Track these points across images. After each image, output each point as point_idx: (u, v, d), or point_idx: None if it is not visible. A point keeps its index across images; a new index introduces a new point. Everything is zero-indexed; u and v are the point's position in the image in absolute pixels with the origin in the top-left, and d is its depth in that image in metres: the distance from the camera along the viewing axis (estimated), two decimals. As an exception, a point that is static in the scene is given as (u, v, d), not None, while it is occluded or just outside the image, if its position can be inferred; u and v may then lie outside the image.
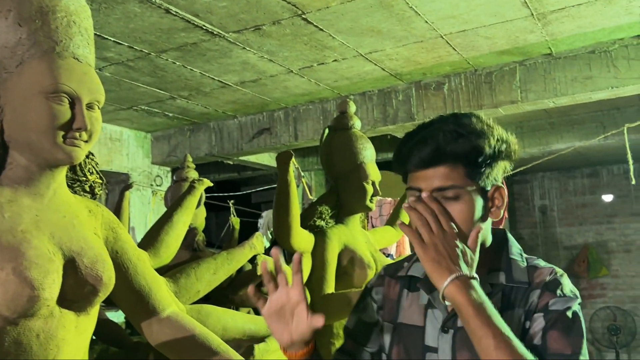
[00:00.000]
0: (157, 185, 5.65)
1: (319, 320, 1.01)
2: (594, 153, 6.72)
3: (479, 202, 1.06)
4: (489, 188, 1.07)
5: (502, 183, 1.11)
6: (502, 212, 1.09)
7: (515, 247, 1.15)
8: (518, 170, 4.42)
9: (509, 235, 1.17)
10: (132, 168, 5.38)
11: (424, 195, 1.04)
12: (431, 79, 4.22)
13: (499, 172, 1.09)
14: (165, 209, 5.18)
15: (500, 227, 4.02)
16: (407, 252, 3.96)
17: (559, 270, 1.10)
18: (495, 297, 1.05)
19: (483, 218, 1.07)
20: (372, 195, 2.38)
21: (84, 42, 1.14)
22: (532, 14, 3.07)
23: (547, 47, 3.64)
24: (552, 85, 3.78)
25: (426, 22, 3.12)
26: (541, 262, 1.13)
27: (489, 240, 1.13)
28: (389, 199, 4.34)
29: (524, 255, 1.15)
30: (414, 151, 1.05)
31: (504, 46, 3.60)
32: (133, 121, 5.08)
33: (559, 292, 1.05)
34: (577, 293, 1.08)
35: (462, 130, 1.05)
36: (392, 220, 2.89)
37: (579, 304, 1.06)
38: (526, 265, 1.11)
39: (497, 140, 1.07)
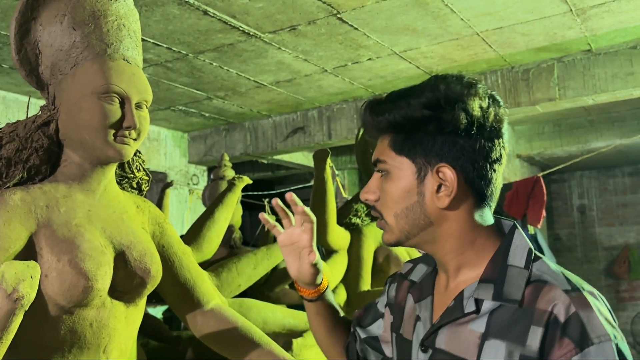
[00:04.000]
0: (194, 184, 5.75)
1: (312, 257, 1.08)
2: (635, 151, 6.56)
3: (409, 182, 0.88)
4: (427, 167, 0.87)
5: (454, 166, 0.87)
6: (448, 200, 0.86)
7: (520, 249, 0.87)
8: (556, 168, 4.36)
9: (517, 231, 0.90)
10: (169, 167, 5.49)
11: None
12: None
13: (450, 147, 0.86)
14: (202, 208, 5.25)
15: (538, 227, 3.93)
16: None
17: (577, 295, 0.79)
18: (480, 319, 0.84)
19: (421, 203, 0.88)
20: (408, 193, 2.39)
21: (133, 44, 1.18)
22: (571, 10, 3.03)
23: (587, 43, 3.58)
24: (591, 82, 3.72)
25: (462, 19, 3.11)
26: (553, 275, 0.83)
27: (455, 237, 0.90)
28: (424, 197, 4.33)
29: (537, 260, 0.86)
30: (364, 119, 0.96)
31: (542, 43, 3.55)
32: (170, 121, 5.19)
33: (581, 338, 0.75)
34: (613, 325, 0.78)
35: (404, 93, 0.89)
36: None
37: (616, 343, 0.76)
38: (527, 275, 0.83)
39: (438, 105, 0.85)
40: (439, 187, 0.87)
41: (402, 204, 0.89)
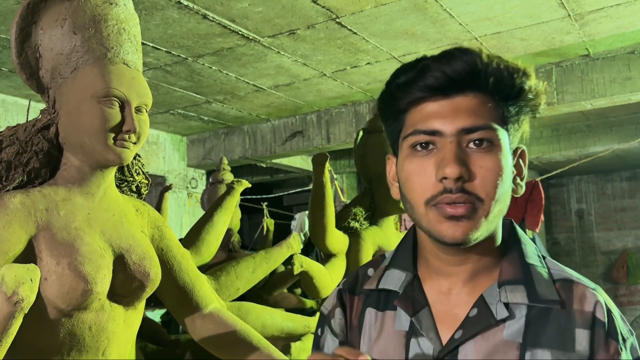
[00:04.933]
0: (193, 188, 5.75)
1: None
2: (633, 155, 6.57)
3: (510, 160, 0.76)
4: (514, 146, 0.79)
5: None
6: (523, 186, 0.81)
7: (530, 246, 0.82)
8: (554, 173, 4.37)
9: (518, 229, 0.84)
10: (168, 171, 5.49)
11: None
12: (465, 81, 4.20)
13: (525, 129, 0.81)
14: (200, 211, 5.24)
15: (536, 231, 3.94)
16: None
17: (601, 292, 0.78)
18: (515, 327, 0.74)
19: (511, 189, 0.78)
20: (407, 197, 2.39)
21: (133, 48, 1.19)
22: (569, 15, 3.04)
23: (585, 48, 3.59)
24: (589, 86, 3.73)
25: (460, 24, 3.12)
26: (571, 273, 0.80)
27: (499, 235, 0.81)
28: (423, 201, 4.34)
29: (544, 257, 0.82)
30: (431, 68, 0.74)
31: (540, 48, 3.56)
32: (169, 125, 5.20)
33: (620, 336, 0.74)
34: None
35: (498, 56, 0.77)
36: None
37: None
38: (548, 273, 0.79)
39: (535, 82, 0.77)
40: (516, 170, 0.80)
41: (504, 187, 0.74)
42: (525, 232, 4.32)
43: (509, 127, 0.76)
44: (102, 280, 1.10)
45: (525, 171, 0.81)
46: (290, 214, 6.86)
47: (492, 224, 0.75)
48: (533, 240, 6.02)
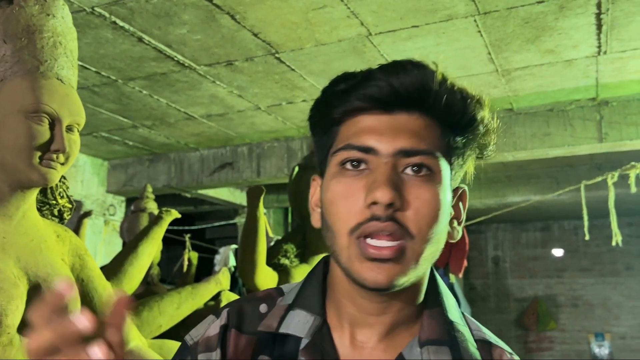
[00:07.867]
0: (111, 215, 5.49)
1: None
2: (547, 207, 6.95)
3: (449, 198, 0.67)
4: (455, 184, 0.70)
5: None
6: (460, 231, 0.71)
7: (450, 299, 0.73)
8: (476, 220, 4.52)
9: (437, 276, 0.74)
10: (85, 195, 5.23)
11: None
12: (396, 125, 4.31)
13: (469, 169, 0.73)
14: (117, 240, 4.99)
15: (460, 276, 4.01)
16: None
17: (516, 357, 0.72)
18: None
19: (443, 228, 0.66)
20: (338, 236, 2.38)
21: (69, 63, 1.12)
22: (497, 70, 3.20)
23: (509, 102, 3.79)
24: (512, 139, 3.92)
25: (396, 70, 3.21)
26: (488, 333, 0.73)
27: (425, 282, 0.71)
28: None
29: (462, 313, 0.74)
30: (375, 77, 0.63)
31: (468, 99, 3.72)
32: (91, 147, 4.97)
33: None
34: None
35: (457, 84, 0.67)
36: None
37: None
38: (470, 331, 0.71)
39: (488, 114, 0.70)
40: (454, 212, 0.70)
41: (438, 226, 0.64)
42: (448, 276, 4.42)
43: (452, 159, 0.67)
44: (14, 312, 0.99)
45: (463, 215, 0.71)
46: (212, 247, 6.69)
47: (421, 269, 0.64)
48: (452, 286, 6.17)
